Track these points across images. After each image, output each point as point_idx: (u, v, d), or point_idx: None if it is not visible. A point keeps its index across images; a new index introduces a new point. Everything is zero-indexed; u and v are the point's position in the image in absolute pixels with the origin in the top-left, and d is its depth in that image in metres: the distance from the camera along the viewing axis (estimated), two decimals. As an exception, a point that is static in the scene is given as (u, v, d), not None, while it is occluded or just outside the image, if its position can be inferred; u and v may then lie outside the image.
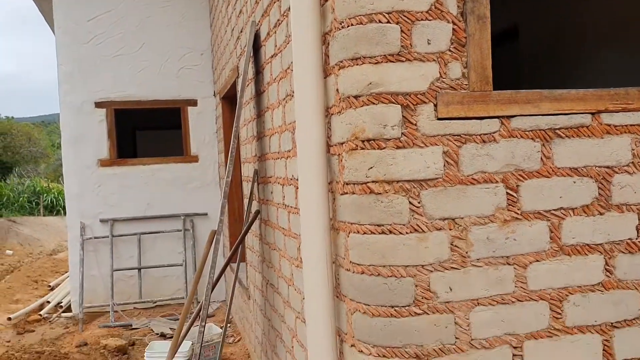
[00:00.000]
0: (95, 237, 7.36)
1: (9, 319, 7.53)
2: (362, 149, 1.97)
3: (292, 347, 3.25)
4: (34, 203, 18.02)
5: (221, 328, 5.60)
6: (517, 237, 2.03)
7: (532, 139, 2.04)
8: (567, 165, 2.07)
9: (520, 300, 2.04)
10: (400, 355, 1.99)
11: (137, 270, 7.43)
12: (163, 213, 7.55)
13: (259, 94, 3.93)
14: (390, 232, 1.97)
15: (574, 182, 2.07)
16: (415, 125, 1.96)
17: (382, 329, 2.00)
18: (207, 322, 4.62)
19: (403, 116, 1.95)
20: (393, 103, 1.94)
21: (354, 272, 2.08)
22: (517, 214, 2.03)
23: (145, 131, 12.69)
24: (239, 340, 6.12)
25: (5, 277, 10.71)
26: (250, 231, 4.68)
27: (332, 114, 2.17)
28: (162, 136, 12.00)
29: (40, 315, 7.75)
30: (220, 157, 7.31)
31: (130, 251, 7.46)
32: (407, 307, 1.99)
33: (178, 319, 6.72)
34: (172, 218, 7.56)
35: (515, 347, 2.04)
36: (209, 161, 7.67)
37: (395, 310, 1.99)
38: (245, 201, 4.81)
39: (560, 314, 2.07)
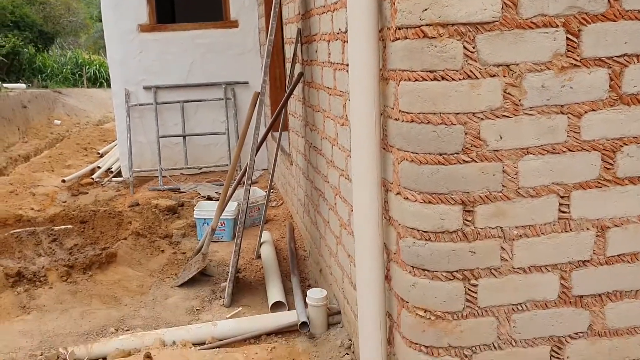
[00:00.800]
0: (140, 104, 7.49)
1: (63, 181, 7.94)
2: (417, -12, 1.87)
3: (335, 203, 3.35)
4: (77, 75, 18.24)
5: (265, 192, 5.79)
6: (573, 85, 1.96)
7: (600, -22, 1.91)
8: (637, 8, 1.93)
9: (572, 150, 2.02)
10: (446, 202, 2.02)
11: (181, 137, 7.61)
12: (204, 81, 7.56)
13: (302, -54, 3.74)
14: (443, 78, 1.93)
15: (642, 27, 1.95)
16: (474, -38, 1.84)
17: (429, 176, 2.02)
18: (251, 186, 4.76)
19: (461, -48, 1.83)
20: (452, -63, 1.81)
21: (403, 121, 2.07)
22: (576, 60, 1.95)
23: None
24: (281, 204, 6.34)
25: (56, 145, 11.15)
26: (292, 96, 4.66)
27: (385, -47, 2.05)
28: (199, 1, 11.70)
29: (92, 179, 8.14)
30: (261, 22, 7.14)
31: (174, 119, 7.59)
32: (455, 155, 1.99)
33: (223, 185, 6.96)
34: (214, 86, 7.58)
35: (562, 197, 2.05)
36: (249, 26, 7.51)
37: (443, 157, 2.00)
38: (288, 65, 4.76)
39: (612, 164, 2.04)
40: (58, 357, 3.26)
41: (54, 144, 11.33)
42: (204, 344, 3.43)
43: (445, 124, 1.97)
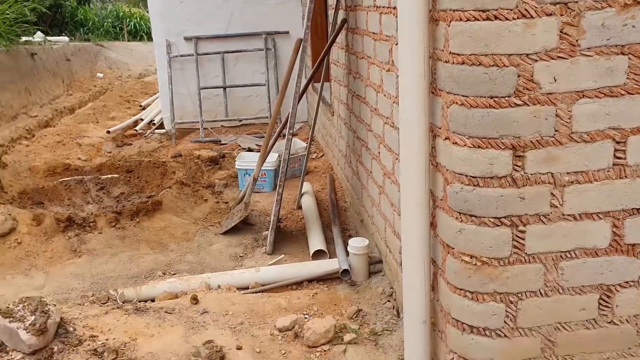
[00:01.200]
0: (181, 55, 7.51)
1: (108, 132, 8.10)
2: None
3: (379, 152, 3.33)
4: (117, 28, 18.34)
5: (305, 143, 5.80)
6: (636, 24, 1.87)
7: None
8: None
9: (631, 93, 1.94)
10: (496, 146, 1.98)
11: (222, 89, 7.62)
12: (244, 31, 7.50)
13: None
14: (496, 17, 1.86)
15: None
16: None
17: (480, 120, 1.98)
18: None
19: None
20: None
21: (453, 64, 2.02)
22: (640, -3, 1.85)
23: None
24: (321, 156, 6.35)
25: (100, 97, 11.33)
26: (335, 44, 4.60)
27: None
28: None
29: (136, 130, 8.28)
30: (302, -30, 7.01)
31: (215, 70, 7.59)
32: (507, 98, 1.94)
33: (263, 137, 6.99)
34: (254, 37, 7.51)
35: (618, 142, 1.98)
36: (290, -26, 7.38)
37: (494, 101, 1.95)
38: (330, 13, 4.68)
39: (673, 108, 1.96)
40: (109, 299, 3.39)
41: (97, 96, 11.50)
42: (247, 288, 3.51)
43: (498, 66, 1.91)
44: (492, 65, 1.91)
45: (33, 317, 2.61)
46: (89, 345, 2.65)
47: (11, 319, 2.61)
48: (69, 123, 8.86)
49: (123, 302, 3.32)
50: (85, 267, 3.93)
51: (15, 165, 5.80)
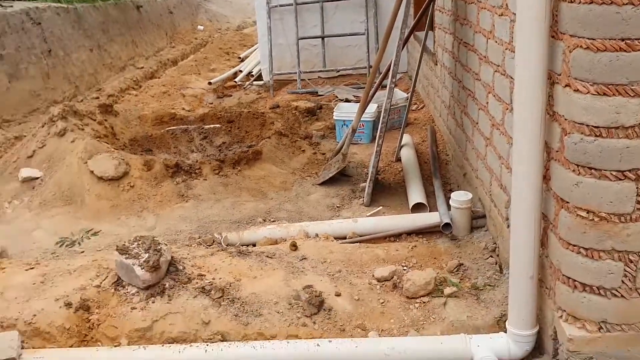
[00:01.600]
0: (280, 5, 7.50)
1: (209, 83, 8.34)
2: None
3: (487, 103, 3.18)
4: (217, -20, 18.63)
5: (406, 94, 5.68)
6: None
7: None
8: None
9: None
10: (624, 94, 1.83)
11: (320, 39, 7.57)
12: (344, -20, 7.36)
13: None
14: (634, -51, 1.68)
15: None
16: None
17: (607, 64, 1.82)
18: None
19: None
20: None
21: (580, 3, 1.86)
22: None
23: None
24: (422, 108, 6.20)
25: (200, 50, 11.64)
26: (440, -10, 4.41)
27: None
28: None
29: (235, 82, 8.45)
30: None
31: (314, 20, 7.54)
32: (641, 40, 1.77)
33: (360, 88, 6.92)
34: (354, -15, 7.37)
35: None
36: None
37: (626, 43, 1.78)
38: (436, -43, 4.47)
39: None
40: (214, 241, 3.53)
41: (198, 48, 11.83)
42: (344, 238, 3.53)
43: (633, 4, 1.74)
44: (627, 4, 1.74)
45: (147, 255, 2.76)
46: (197, 283, 2.78)
47: (127, 255, 2.78)
48: (172, 74, 9.19)
49: (227, 245, 3.45)
50: (192, 211, 4.11)
51: (125, 114, 6.10)
